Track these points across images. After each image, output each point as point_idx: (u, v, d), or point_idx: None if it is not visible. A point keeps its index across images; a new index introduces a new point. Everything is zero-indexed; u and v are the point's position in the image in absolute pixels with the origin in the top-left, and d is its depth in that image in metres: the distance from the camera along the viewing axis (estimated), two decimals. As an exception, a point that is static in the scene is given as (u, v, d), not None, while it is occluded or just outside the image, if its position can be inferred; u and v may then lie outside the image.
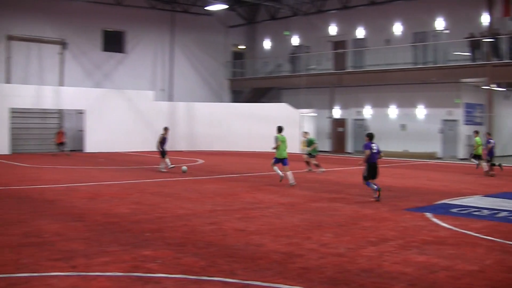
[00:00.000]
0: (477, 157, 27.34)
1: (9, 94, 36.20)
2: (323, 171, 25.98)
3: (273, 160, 21.12)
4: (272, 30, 49.81)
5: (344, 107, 43.92)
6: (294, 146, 41.21)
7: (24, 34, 39.42)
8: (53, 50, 40.40)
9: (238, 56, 52.52)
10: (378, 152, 17.21)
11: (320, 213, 14.24)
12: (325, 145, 43.47)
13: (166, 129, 26.30)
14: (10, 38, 37.53)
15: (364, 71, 41.13)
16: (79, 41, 42.77)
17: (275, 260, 9.44)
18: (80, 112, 39.65)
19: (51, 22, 41.75)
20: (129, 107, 40.83)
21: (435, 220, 13.53)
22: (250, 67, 51.10)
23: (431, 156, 37.80)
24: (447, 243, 11.00)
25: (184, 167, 25.33)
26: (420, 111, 39.67)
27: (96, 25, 44.15)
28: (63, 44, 39.48)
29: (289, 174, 20.61)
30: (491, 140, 26.47)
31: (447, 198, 17.43)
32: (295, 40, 48.05)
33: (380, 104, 41.88)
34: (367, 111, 42.65)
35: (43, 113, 38.90)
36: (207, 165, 29.80)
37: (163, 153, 25.49)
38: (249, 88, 50.53)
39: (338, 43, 44.77)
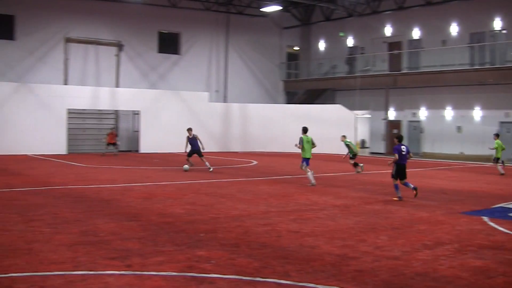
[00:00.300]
0: (497, 160, 27.07)
1: (66, 95, 36.84)
2: (359, 172, 26.29)
3: (303, 162, 21.34)
4: (326, 31, 49.61)
5: (399, 108, 43.43)
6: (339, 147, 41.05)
7: (81, 36, 40.08)
8: (109, 52, 40.99)
9: (292, 57, 52.45)
10: (408, 153, 17.50)
11: (374, 216, 14.11)
12: (379, 147, 43.11)
13: (189, 130, 26.75)
14: (68, 40, 38.20)
15: (420, 72, 40.58)
16: (135, 43, 43.33)
17: (329, 262, 9.39)
18: (135, 113, 40.13)
19: (107, 24, 42.40)
20: (183, 108, 41.12)
21: (492, 224, 13.28)
22: (304, 69, 50.98)
23: (488, 158, 37.12)
24: (504, 247, 10.78)
25: (186, 166, 25.87)
26: (477, 113, 38.97)
27: (151, 27, 44.64)
28: (119, 46, 40.02)
29: (310, 174, 20.90)
30: None
31: (505, 202, 17.09)
32: (350, 41, 47.77)
33: (435, 105, 41.28)
34: (423, 113, 42.08)
35: (99, 114, 39.48)
36: (261, 166, 29.82)
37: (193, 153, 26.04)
38: (303, 89, 50.42)
39: (393, 44, 44.31)
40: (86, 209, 14.27)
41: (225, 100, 47.21)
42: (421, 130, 41.59)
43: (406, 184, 17.33)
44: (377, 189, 19.71)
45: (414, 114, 42.60)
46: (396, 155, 17.20)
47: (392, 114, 43.57)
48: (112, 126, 37.67)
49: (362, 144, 49.86)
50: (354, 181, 21.82)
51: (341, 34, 47.42)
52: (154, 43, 45.06)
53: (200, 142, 26.16)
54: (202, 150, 26.22)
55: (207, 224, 12.58)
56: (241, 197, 17.06)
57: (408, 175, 17.58)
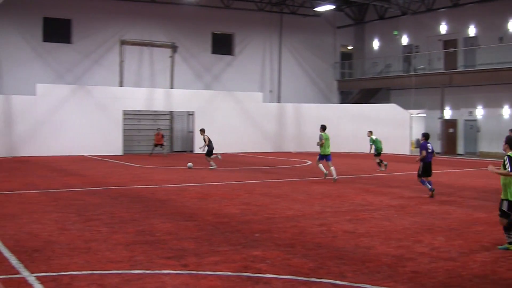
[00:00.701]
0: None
1: (122, 97, 37.33)
2: (382, 170, 27.02)
3: (317, 157, 22.59)
4: (380, 30, 49.22)
5: (455, 107, 42.75)
6: (405, 148, 40.66)
7: (136, 38, 40.56)
8: (164, 53, 41.37)
9: (346, 56, 52.19)
10: (433, 151, 18.12)
11: (431, 216, 13.93)
12: (435, 146, 42.43)
13: (202, 130, 28.21)
14: (123, 42, 38.68)
15: (476, 70, 39.85)
16: (189, 44, 43.69)
17: (385, 263, 9.31)
18: (190, 114, 40.42)
19: (162, 26, 42.86)
20: (237, 109, 41.26)
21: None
22: (358, 68, 50.68)
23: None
24: None
25: (190, 164, 27.27)
26: (536, 111, 38.17)
27: (205, 28, 44.96)
28: (173, 47, 40.34)
29: (333, 169, 21.81)
30: None
31: None
32: (404, 40, 47.29)
33: (492, 104, 40.49)
34: (479, 112, 41.35)
35: (154, 115, 39.88)
36: (315, 166, 29.68)
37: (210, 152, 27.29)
38: (358, 89, 50.12)
39: (449, 42, 43.69)
40: (142, 209, 14.44)
41: (279, 100, 47.24)
42: (477, 129, 40.86)
43: (423, 182, 17.89)
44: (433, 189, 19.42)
45: (471, 113, 41.86)
46: (424, 152, 17.69)
47: (447, 113, 42.93)
48: (158, 127, 37.91)
49: (417, 143, 49.28)
50: (410, 181, 21.59)
51: (395, 32, 46.96)
52: (208, 44, 45.38)
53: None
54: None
55: (262, 224, 12.61)
56: (295, 197, 17.04)
57: (465, 174, 17.36)
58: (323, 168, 22.33)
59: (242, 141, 40.54)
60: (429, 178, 17.90)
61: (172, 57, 40.35)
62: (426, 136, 18.45)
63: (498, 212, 10.41)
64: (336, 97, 50.89)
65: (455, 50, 42.59)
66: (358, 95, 49.64)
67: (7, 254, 9.63)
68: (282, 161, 32.94)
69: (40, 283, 8.04)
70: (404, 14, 44.17)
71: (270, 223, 12.75)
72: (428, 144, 18.00)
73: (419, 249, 10.28)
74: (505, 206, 10.17)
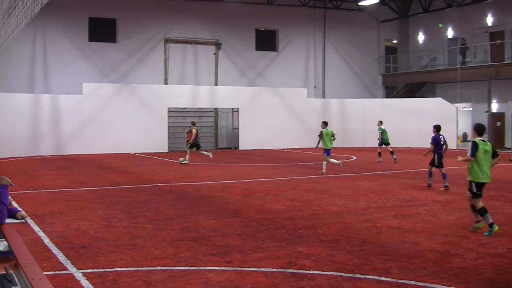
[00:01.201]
0: None
1: (167, 95, 37.57)
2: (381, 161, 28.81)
3: (324, 153, 23.32)
4: (425, 23, 48.68)
5: (502, 100, 42.04)
6: (451, 142, 40.12)
7: (180, 36, 40.80)
8: (207, 50, 41.52)
9: (391, 50, 51.76)
10: (445, 143, 18.95)
11: (478, 211, 13.74)
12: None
13: (194, 123, 29.90)
14: (167, 41, 38.91)
15: (524, 62, 39.21)
16: (232, 41, 43.81)
17: (430, 259, 9.21)
18: (234, 111, 40.52)
19: (205, 23, 43.06)
20: (282, 105, 41.20)
21: None
22: (403, 62, 50.23)
23: None
24: None
25: (181, 158, 28.75)
26: None
27: (249, 25, 45.03)
28: (217, 44, 40.44)
29: (325, 164, 23.10)
30: None
31: None
32: (450, 33, 46.69)
33: (541, 96, 39.77)
34: (528, 104, 40.64)
35: (199, 112, 40.06)
36: (360, 161, 29.56)
37: (192, 146, 28.75)
38: (403, 83, 49.67)
39: (495, 34, 42.97)
40: (187, 206, 14.53)
41: (323, 95, 47.09)
42: (527, 123, 40.20)
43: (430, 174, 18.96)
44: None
45: (519, 106, 41.17)
46: (432, 146, 18.89)
47: (494, 107, 42.27)
48: (189, 124, 37.87)
49: (464, 137, 48.64)
50: (455, 176, 21.30)
51: (441, 25, 46.39)
52: (252, 41, 45.44)
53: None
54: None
55: (307, 220, 12.58)
56: (340, 193, 16.97)
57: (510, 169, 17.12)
58: (334, 161, 23.65)
59: (286, 137, 40.46)
60: (443, 170, 18.63)
61: (216, 54, 40.46)
62: (437, 128, 19.07)
63: (469, 193, 11.58)
64: (381, 91, 50.52)
65: (502, 42, 41.87)
66: (403, 90, 49.17)
67: (55, 250, 9.79)
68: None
69: (86, 279, 8.16)
70: (449, 6, 43.58)
71: (315, 219, 12.72)
72: (440, 136, 18.84)
73: (465, 245, 10.16)
74: (474, 188, 11.38)
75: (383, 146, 29.27)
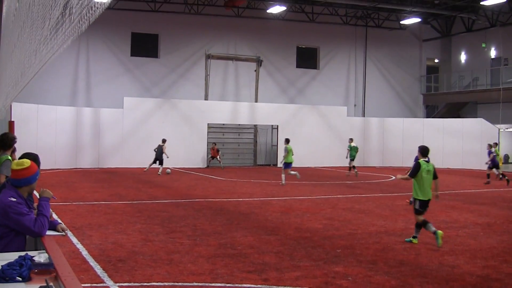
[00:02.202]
0: None
1: (207, 110, 37.76)
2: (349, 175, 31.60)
3: (283, 167, 26.24)
4: (468, 42, 48.28)
5: (546, 121, 41.43)
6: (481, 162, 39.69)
7: (221, 52, 41.08)
8: (248, 67, 41.70)
9: (432, 70, 51.41)
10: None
11: (519, 235, 13.53)
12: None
13: (164, 141, 31.82)
14: (209, 57, 39.16)
15: None
16: (273, 58, 43.95)
17: (469, 283, 9.07)
18: (274, 128, 40.54)
19: (247, 40, 43.29)
20: (321, 123, 41.12)
21: None
22: (445, 81, 49.80)
23: None
24: None
25: (168, 170, 31.51)
26: None
27: (290, 42, 45.14)
28: (258, 61, 40.56)
29: (284, 177, 25.74)
30: None
31: None
32: (493, 52, 46.21)
33: None
34: None
35: (238, 128, 40.18)
36: (399, 181, 29.28)
37: (161, 161, 31.18)
38: (444, 102, 49.24)
39: (540, 54, 42.45)
40: (225, 222, 14.53)
41: (363, 114, 46.90)
42: None
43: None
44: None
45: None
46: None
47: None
48: (214, 141, 38.26)
49: (506, 159, 47.99)
50: (497, 198, 21.02)
51: (484, 45, 45.94)
52: (293, 58, 45.52)
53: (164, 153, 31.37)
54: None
55: (345, 239, 12.50)
56: (379, 213, 16.84)
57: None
58: (293, 173, 26.33)
59: (326, 155, 40.35)
60: None
61: (257, 71, 40.60)
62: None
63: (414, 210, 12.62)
64: (421, 111, 50.14)
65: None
66: (444, 109, 48.74)
67: (93, 263, 9.87)
68: (366, 176, 32.63)
69: (123, 293, 8.20)
70: (492, 26, 43.15)
71: (353, 238, 12.63)
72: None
73: (506, 270, 9.98)
74: (417, 205, 12.48)
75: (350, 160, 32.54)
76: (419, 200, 12.45)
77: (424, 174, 12.43)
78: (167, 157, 31.52)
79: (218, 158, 36.54)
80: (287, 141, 27.06)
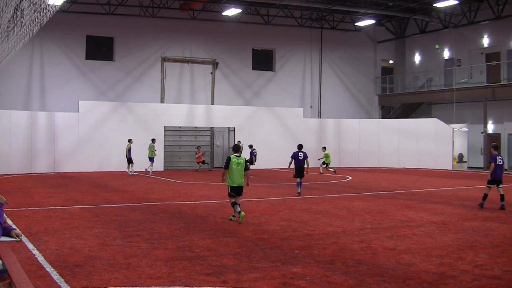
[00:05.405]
0: None
1: (163, 113, 37.63)
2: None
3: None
4: (421, 43, 48.96)
5: (498, 121, 42.17)
6: (448, 163, 40.21)
7: (177, 55, 40.96)
8: (204, 70, 41.68)
9: (387, 71, 51.98)
10: (305, 158, 22.81)
11: (473, 233, 13.73)
12: (478, 161, 41.94)
13: (130, 140, 33.40)
14: (164, 60, 39.00)
15: (520, 83, 39.31)
16: (229, 61, 44.00)
17: (426, 280, 9.19)
18: (230, 130, 40.56)
19: (202, 43, 43.29)
20: (278, 125, 41.28)
21: None
22: (399, 82, 50.39)
23: None
24: None
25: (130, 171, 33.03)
26: None
27: (246, 45, 45.23)
28: (214, 64, 40.57)
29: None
30: None
31: None
32: (446, 54, 46.89)
33: (537, 118, 39.87)
34: (524, 125, 40.73)
35: (195, 131, 40.10)
36: (356, 182, 29.57)
37: (129, 160, 33.00)
38: (399, 103, 49.84)
39: (491, 55, 43.18)
40: (182, 225, 14.49)
41: (319, 115, 47.19)
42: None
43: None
44: (475, 205, 19.16)
45: (515, 127, 41.26)
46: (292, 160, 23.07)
47: (491, 127, 42.37)
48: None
49: (460, 158, 48.72)
50: (451, 197, 21.34)
51: (437, 46, 46.61)
52: (249, 60, 45.61)
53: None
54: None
55: (302, 240, 12.55)
56: (336, 214, 16.95)
57: (509, 190, 17.09)
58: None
59: (282, 156, 40.35)
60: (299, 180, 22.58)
61: (213, 73, 40.58)
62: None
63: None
64: (377, 112, 50.65)
65: (498, 63, 42.03)
66: (399, 110, 49.33)
67: (49, 268, 9.75)
68: (323, 177, 32.84)
69: (80, 299, 8.11)
70: (445, 27, 43.83)
71: (310, 239, 12.69)
72: (300, 153, 22.98)
73: (461, 267, 10.13)
74: (229, 190, 15.62)
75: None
76: (230, 186, 15.57)
77: (234, 166, 15.44)
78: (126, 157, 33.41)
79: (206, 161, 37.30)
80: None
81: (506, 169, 17.78)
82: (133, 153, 33.79)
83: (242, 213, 15.06)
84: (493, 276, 9.49)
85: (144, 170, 34.06)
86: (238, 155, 15.68)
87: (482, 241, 12.67)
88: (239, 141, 30.10)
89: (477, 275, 9.56)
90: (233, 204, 15.46)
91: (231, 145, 39.83)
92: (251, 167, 32.75)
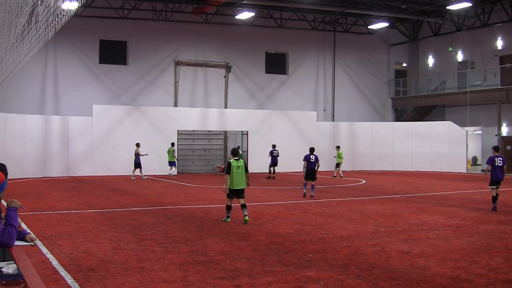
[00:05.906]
0: None
1: (176, 117, 37.68)
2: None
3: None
4: (435, 46, 48.79)
5: (512, 124, 41.95)
6: (461, 165, 40.02)
7: (190, 59, 41.06)
8: (218, 73, 41.71)
9: (400, 74, 51.84)
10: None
11: (488, 236, 13.64)
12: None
13: (138, 144, 33.40)
14: (178, 63, 39.08)
15: (534, 86, 39.07)
16: (242, 64, 44.03)
17: (440, 284, 9.13)
18: (244, 133, 40.56)
19: (215, 46, 43.34)
20: (291, 128, 41.25)
21: None
22: (413, 85, 50.24)
23: None
24: None
25: (133, 177, 32.87)
26: None
27: (259, 48, 45.25)
28: (227, 67, 40.60)
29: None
30: None
31: None
32: (460, 56, 46.70)
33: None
34: (538, 128, 40.49)
35: (208, 135, 40.14)
36: (370, 185, 29.49)
37: (136, 165, 33.06)
38: (412, 106, 49.68)
39: (506, 57, 42.93)
40: (196, 229, 14.48)
41: (332, 118, 47.12)
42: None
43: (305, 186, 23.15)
44: (489, 209, 19.02)
45: (529, 130, 41.01)
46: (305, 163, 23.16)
47: (505, 130, 42.12)
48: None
49: (474, 161, 48.50)
50: (465, 200, 21.24)
51: (450, 49, 46.42)
52: (262, 64, 45.62)
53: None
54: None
55: (316, 244, 12.52)
56: (350, 217, 16.90)
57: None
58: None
59: (296, 159, 40.35)
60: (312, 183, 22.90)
61: (226, 77, 40.62)
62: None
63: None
64: (390, 115, 50.51)
65: (512, 66, 41.82)
66: (413, 113, 49.18)
67: (63, 272, 9.77)
68: (336, 180, 32.77)
69: (94, 303, 8.12)
70: (459, 30, 43.65)
71: (324, 243, 12.66)
72: (311, 156, 23.18)
73: (476, 270, 10.06)
74: (228, 192, 15.91)
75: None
76: (230, 189, 15.91)
77: (235, 170, 15.79)
78: (146, 155, 33.80)
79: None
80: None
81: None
82: (146, 158, 33.84)
83: (247, 217, 15.54)
84: (508, 280, 9.43)
85: (168, 174, 34.08)
86: (237, 158, 16.06)
87: (497, 244, 12.59)
88: (238, 146, 30.44)
89: (492, 279, 9.50)
90: (228, 208, 16.01)
91: (244, 148, 39.94)
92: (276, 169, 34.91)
